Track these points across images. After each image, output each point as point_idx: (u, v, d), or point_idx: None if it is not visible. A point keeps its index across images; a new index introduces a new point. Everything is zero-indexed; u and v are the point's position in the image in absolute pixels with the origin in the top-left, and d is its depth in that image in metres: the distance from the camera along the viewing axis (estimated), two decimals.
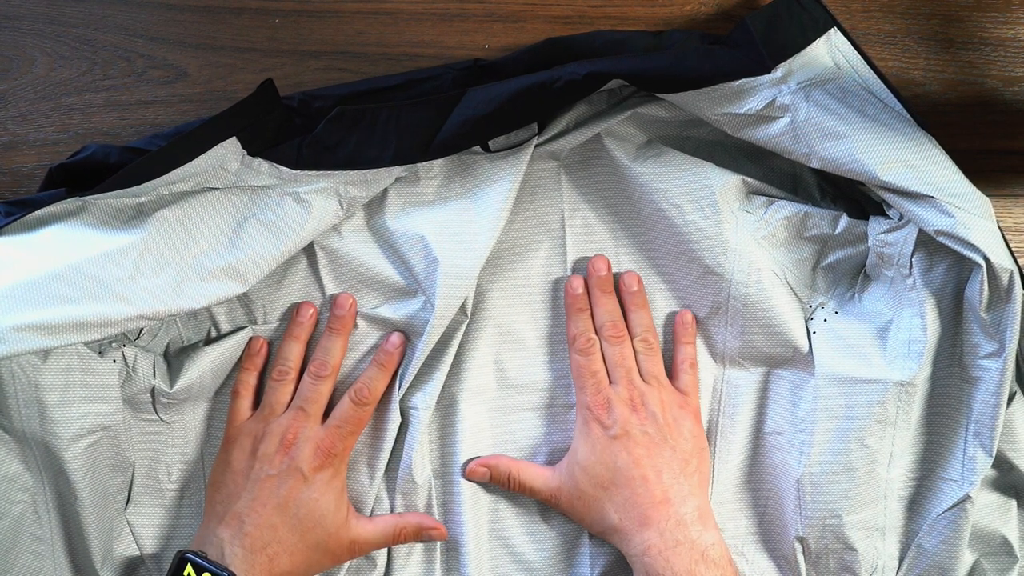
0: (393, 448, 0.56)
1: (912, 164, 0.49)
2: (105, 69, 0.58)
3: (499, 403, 0.58)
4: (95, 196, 0.49)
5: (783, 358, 0.55)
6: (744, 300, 0.54)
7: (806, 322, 0.55)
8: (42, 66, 0.57)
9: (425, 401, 0.55)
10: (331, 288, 0.56)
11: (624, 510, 0.51)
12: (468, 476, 0.55)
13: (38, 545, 0.50)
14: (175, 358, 0.55)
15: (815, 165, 0.50)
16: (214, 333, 0.56)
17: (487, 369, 0.57)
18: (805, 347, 0.54)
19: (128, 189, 0.49)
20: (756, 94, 0.50)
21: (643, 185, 0.55)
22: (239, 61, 0.58)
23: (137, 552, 0.54)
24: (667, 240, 0.56)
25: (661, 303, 0.58)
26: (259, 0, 0.57)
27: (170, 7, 0.57)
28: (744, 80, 0.50)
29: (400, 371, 0.56)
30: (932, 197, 0.48)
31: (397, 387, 0.55)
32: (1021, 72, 0.59)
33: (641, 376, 0.55)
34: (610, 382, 0.54)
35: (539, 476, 0.54)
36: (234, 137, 0.50)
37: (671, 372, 0.56)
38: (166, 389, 0.53)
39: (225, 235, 0.51)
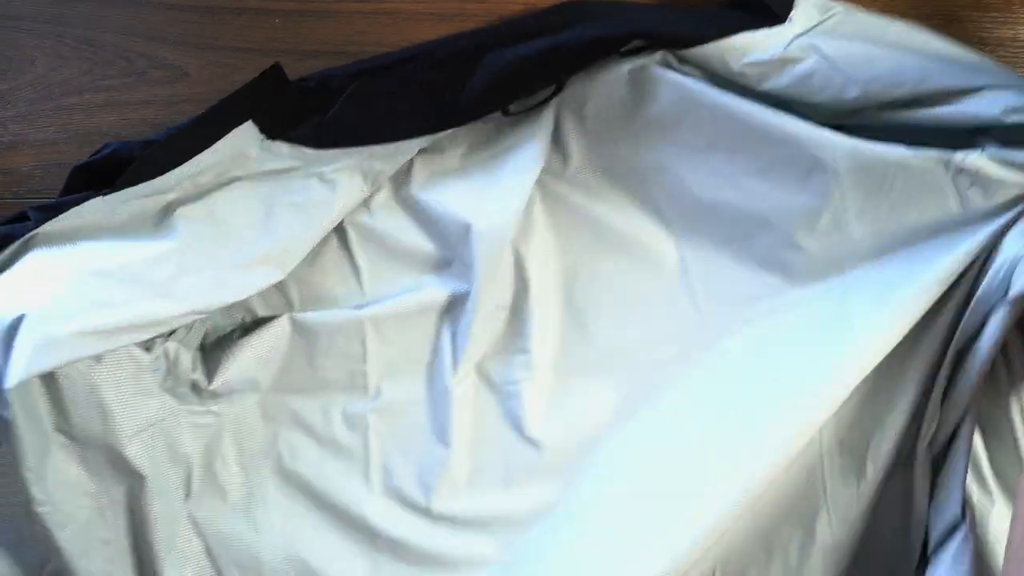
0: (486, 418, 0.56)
1: (954, 59, 0.48)
2: (105, 69, 0.58)
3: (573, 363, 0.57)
4: (122, 195, 0.48)
5: None
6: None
7: None
8: (42, 66, 0.57)
9: (527, 372, 0.55)
10: (364, 265, 0.56)
11: None
12: None
13: (107, 549, 0.50)
14: (211, 351, 0.55)
15: (854, 93, 0.49)
16: (248, 319, 0.56)
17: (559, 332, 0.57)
18: None
19: (153, 185, 0.49)
20: (779, 38, 0.50)
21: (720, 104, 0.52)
22: (239, 61, 0.58)
23: (200, 545, 0.54)
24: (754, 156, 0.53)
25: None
26: (259, 0, 0.57)
27: (170, 7, 0.57)
28: (764, 29, 0.50)
29: (453, 342, 0.55)
30: (986, 86, 0.47)
31: (451, 358, 0.55)
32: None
33: None
34: None
35: None
36: (250, 121, 0.50)
37: None
38: (205, 384, 0.53)
39: (257, 224, 0.51)
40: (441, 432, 0.56)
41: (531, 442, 0.56)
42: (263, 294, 0.55)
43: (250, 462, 0.56)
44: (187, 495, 0.54)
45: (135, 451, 0.50)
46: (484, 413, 0.56)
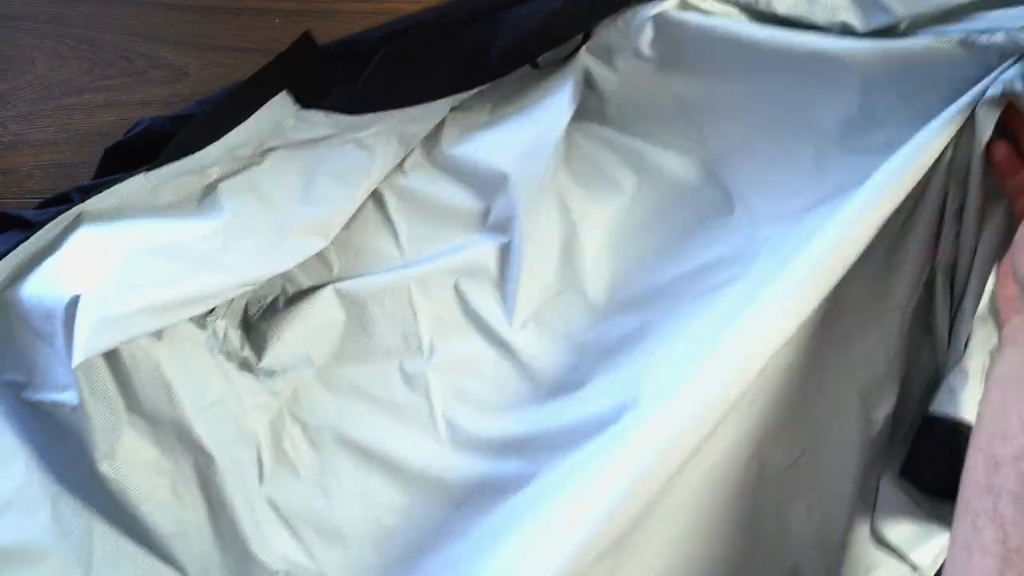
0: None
1: None
2: (105, 69, 0.58)
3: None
4: (164, 171, 0.49)
5: None
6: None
7: None
8: (42, 66, 0.57)
9: (584, 312, 0.56)
10: (403, 227, 0.56)
11: None
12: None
13: (183, 526, 0.51)
14: (255, 326, 0.55)
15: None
16: (290, 288, 0.56)
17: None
18: None
19: (194, 159, 0.49)
20: None
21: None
22: (239, 61, 0.58)
23: (280, 524, 0.55)
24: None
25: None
26: (259, 0, 0.57)
27: (170, 7, 0.57)
28: None
29: (503, 294, 0.55)
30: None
31: (503, 310, 0.55)
32: None
33: None
34: None
35: None
36: (284, 91, 0.50)
37: None
38: (255, 363, 0.54)
39: (297, 193, 0.51)
40: (502, 381, 0.56)
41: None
42: (303, 262, 0.55)
43: (317, 437, 0.56)
44: (260, 477, 0.54)
45: (202, 429, 0.50)
46: (543, 357, 0.56)
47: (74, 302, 0.43)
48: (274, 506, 0.55)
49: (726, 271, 0.56)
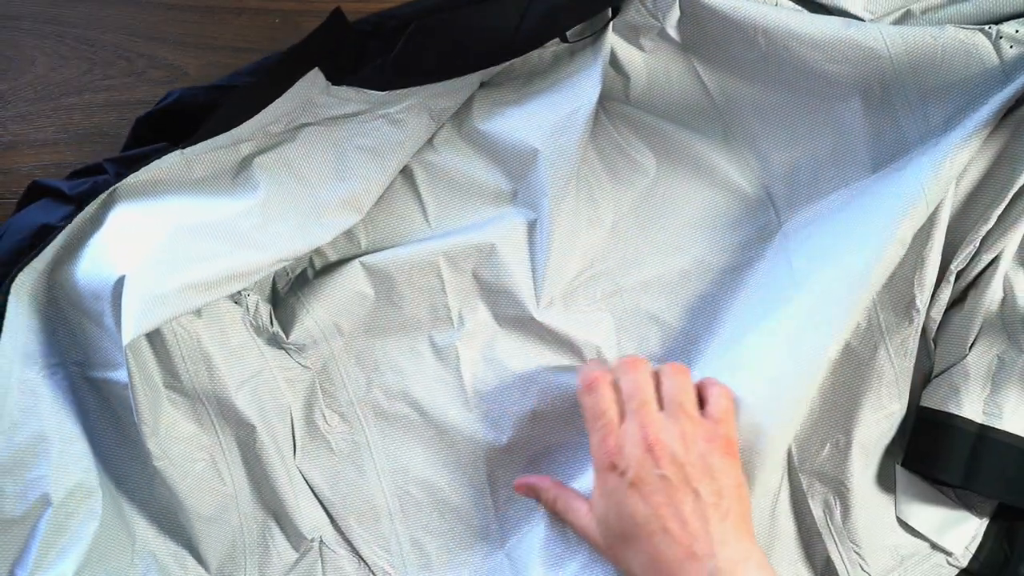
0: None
1: None
2: (105, 69, 0.58)
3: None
4: (199, 147, 0.49)
5: None
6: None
7: None
8: (42, 66, 0.57)
9: (609, 289, 0.57)
10: (431, 202, 0.56)
11: (652, 567, 0.43)
12: (516, 489, 0.53)
13: (221, 504, 0.52)
14: (284, 301, 0.56)
15: None
16: (318, 263, 0.56)
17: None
18: None
19: (229, 135, 0.50)
20: None
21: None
22: (239, 61, 0.58)
23: (314, 499, 0.56)
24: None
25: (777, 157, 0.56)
26: (259, 0, 0.57)
27: (170, 7, 0.57)
28: None
29: (532, 269, 0.55)
30: None
31: (530, 286, 0.55)
32: None
33: (661, 406, 0.46)
34: (622, 420, 0.46)
35: (578, 514, 0.48)
36: (316, 68, 0.50)
37: (700, 395, 0.47)
38: (284, 338, 0.54)
39: (330, 169, 0.51)
40: (531, 354, 0.57)
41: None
42: (337, 245, 0.56)
43: (348, 411, 0.57)
44: (295, 450, 0.56)
45: (243, 402, 0.51)
46: (570, 332, 0.56)
47: (120, 282, 0.44)
48: (308, 479, 0.56)
49: (749, 252, 0.57)
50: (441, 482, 0.57)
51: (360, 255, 0.56)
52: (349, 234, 0.56)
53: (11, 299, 0.47)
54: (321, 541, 0.56)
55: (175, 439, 0.50)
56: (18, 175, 0.58)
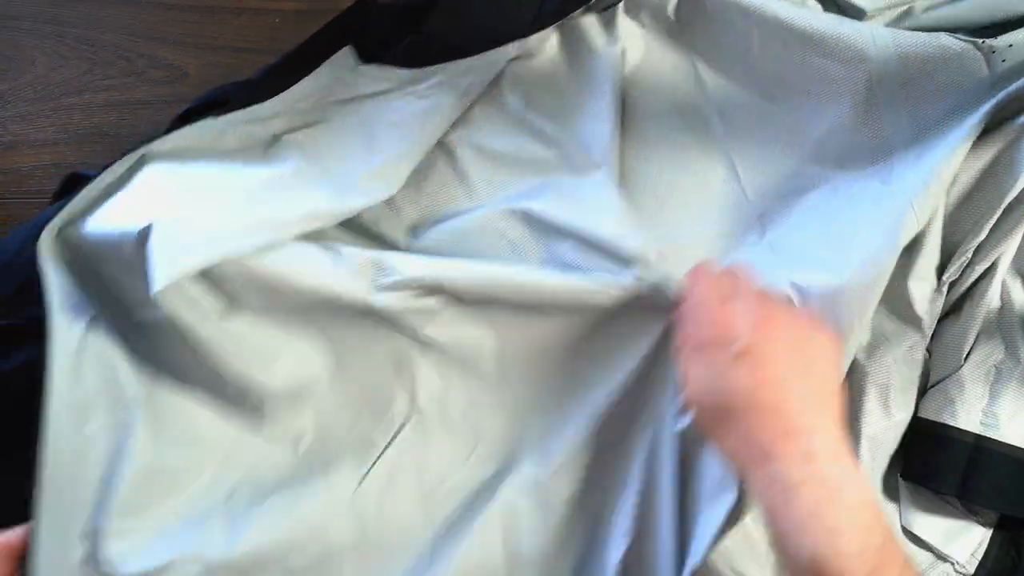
0: None
1: None
2: (105, 69, 0.58)
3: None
4: (231, 117, 0.50)
5: None
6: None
7: None
8: (42, 66, 0.57)
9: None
10: (473, 177, 0.56)
11: (745, 443, 0.42)
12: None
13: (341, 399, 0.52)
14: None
15: None
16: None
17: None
18: None
19: (264, 107, 0.50)
20: None
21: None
22: (239, 61, 0.58)
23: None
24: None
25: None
26: (259, 0, 0.57)
27: (170, 7, 0.57)
28: None
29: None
30: None
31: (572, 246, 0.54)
32: None
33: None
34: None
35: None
36: (348, 47, 0.51)
37: None
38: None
39: (360, 146, 0.52)
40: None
41: None
42: (384, 225, 0.55)
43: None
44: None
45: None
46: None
47: (145, 232, 0.44)
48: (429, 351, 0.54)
49: (728, 240, 0.56)
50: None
51: (409, 232, 0.55)
52: (399, 217, 0.55)
53: (44, 256, 0.47)
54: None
55: (251, 348, 0.50)
56: (18, 175, 0.58)
